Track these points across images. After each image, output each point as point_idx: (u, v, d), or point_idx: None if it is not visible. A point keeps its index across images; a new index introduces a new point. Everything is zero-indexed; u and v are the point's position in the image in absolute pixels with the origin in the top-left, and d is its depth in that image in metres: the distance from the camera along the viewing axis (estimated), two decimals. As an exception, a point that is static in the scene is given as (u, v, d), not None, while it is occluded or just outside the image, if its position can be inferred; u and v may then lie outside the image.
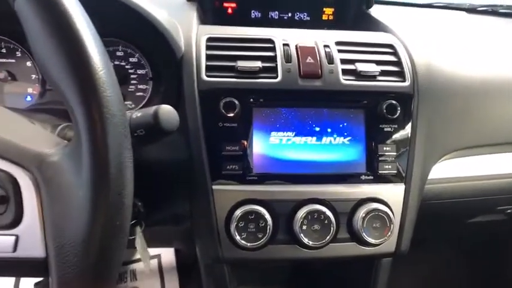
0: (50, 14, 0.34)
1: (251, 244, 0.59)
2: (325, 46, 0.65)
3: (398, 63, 0.67)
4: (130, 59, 0.68)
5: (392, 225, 0.61)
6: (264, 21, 0.88)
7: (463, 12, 1.04)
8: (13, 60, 0.67)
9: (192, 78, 0.61)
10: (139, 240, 0.56)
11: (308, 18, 0.90)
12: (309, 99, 0.63)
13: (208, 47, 0.64)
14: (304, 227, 0.59)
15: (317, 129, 0.62)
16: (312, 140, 0.62)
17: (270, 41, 0.65)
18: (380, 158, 0.63)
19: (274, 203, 0.60)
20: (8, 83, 0.67)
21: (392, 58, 0.68)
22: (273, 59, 0.63)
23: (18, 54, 0.67)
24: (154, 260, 1.33)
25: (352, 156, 0.63)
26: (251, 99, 0.61)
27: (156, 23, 0.61)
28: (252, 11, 0.89)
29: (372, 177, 0.63)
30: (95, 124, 0.34)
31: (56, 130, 0.53)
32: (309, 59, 0.63)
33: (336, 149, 0.62)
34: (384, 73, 0.65)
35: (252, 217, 0.58)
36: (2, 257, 0.37)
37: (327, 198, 0.61)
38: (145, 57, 0.68)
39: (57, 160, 0.37)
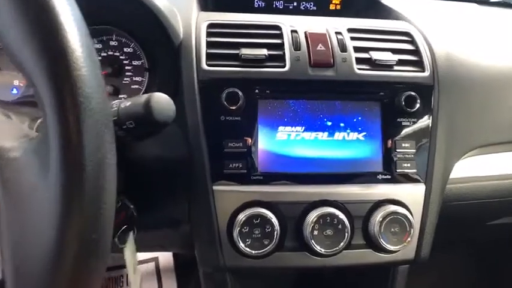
0: None
1: (256, 252, 0.56)
2: (337, 33, 0.63)
3: (417, 52, 0.65)
4: (125, 49, 0.66)
5: (412, 230, 0.58)
6: (268, 11, 0.87)
7: (474, 4, 1.04)
8: None
9: (191, 67, 0.58)
10: (128, 250, 0.50)
11: (314, 8, 0.89)
12: (320, 90, 0.60)
13: (209, 34, 0.61)
14: (315, 232, 0.56)
15: (329, 123, 0.60)
16: (323, 135, 0.60)
17: (277, 27, 0.63)
18: (398, 156, 0.61)
19: (281, 205, 0.58)
20: (-7, 74, 0.64)
21: (409, 47, 0.66)
22: (280, 46, 0.61)
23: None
24: (152, 263, 1.31)
25: (367, 153, 0.60)
26: (256, 90, 0.58)
27: (153, 7, 0.58)
28: (256, 0, 0.87)
29: (389, 177, 0.60)
30: (66, 109, 0.27)
31: (35, 124, 0.47)
32: (320, 47, 0.61)
33: (349, 145, 0.60)
34: (401, 62, 0.63)
35: (257, 221, 0.55)
36: None
37: (340, 200, 0.59)
38: (141, 46, 0.66)
39: (18, 156, 0.30)
